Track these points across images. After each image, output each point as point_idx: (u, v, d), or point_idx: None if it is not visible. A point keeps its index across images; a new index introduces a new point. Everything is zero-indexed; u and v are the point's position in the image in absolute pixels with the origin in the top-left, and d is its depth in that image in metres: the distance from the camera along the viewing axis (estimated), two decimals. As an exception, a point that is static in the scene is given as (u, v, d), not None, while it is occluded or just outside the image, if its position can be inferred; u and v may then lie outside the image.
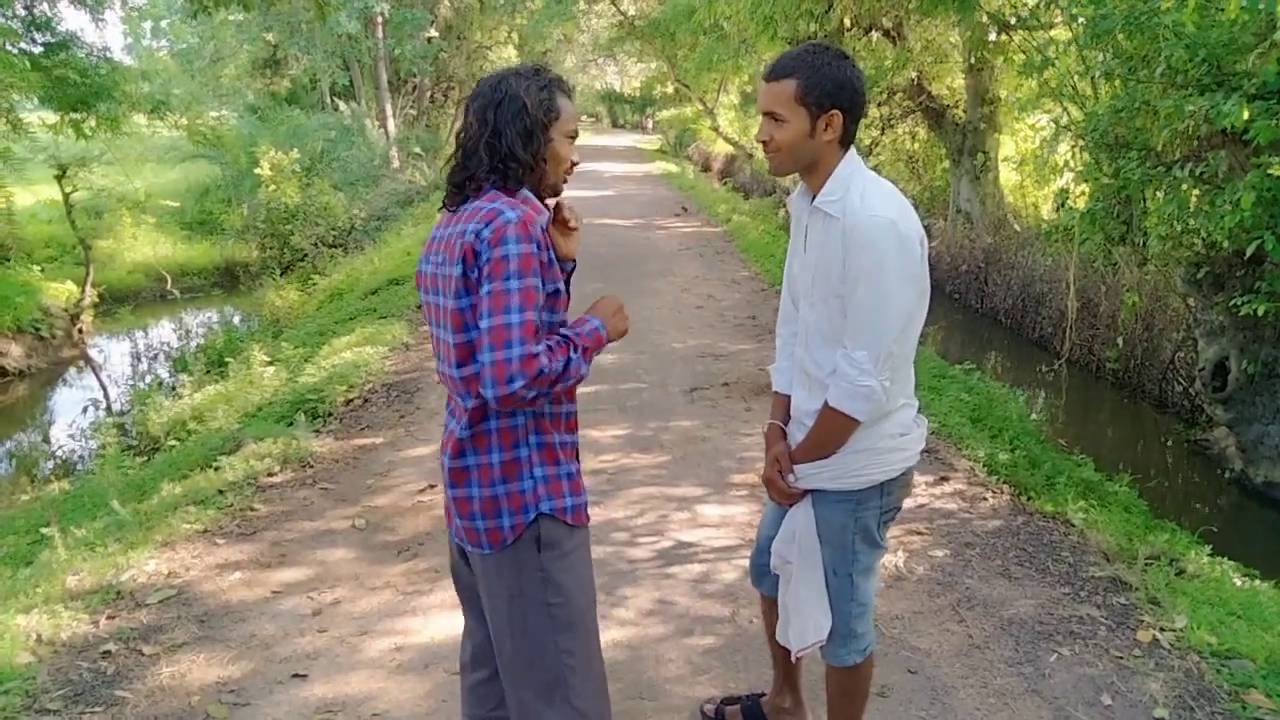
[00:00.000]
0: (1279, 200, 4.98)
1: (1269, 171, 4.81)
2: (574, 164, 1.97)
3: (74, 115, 11.07)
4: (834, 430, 2.07)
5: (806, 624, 2.19)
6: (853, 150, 2.06)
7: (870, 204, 1.95)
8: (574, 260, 2.07)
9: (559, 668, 1.92)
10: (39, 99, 11.17)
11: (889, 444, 2.10)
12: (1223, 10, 4.90)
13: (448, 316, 1.84)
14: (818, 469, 2.12)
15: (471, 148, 1.87)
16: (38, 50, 10.66)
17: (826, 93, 1.96)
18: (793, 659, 2.30)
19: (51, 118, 11.50)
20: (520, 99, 1.84)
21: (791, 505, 2.22)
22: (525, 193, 1.89)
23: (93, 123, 11.34)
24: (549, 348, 1.79)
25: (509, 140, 1.83)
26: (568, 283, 2.09)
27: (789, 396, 2.29)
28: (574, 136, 1.95)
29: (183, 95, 15.87)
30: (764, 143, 2.05)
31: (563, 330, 1.88)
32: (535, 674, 1.93)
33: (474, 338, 1.80)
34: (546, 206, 1.98)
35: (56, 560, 3.79)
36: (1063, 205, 7.69)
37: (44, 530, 4.19)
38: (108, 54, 11.84)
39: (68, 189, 12.55)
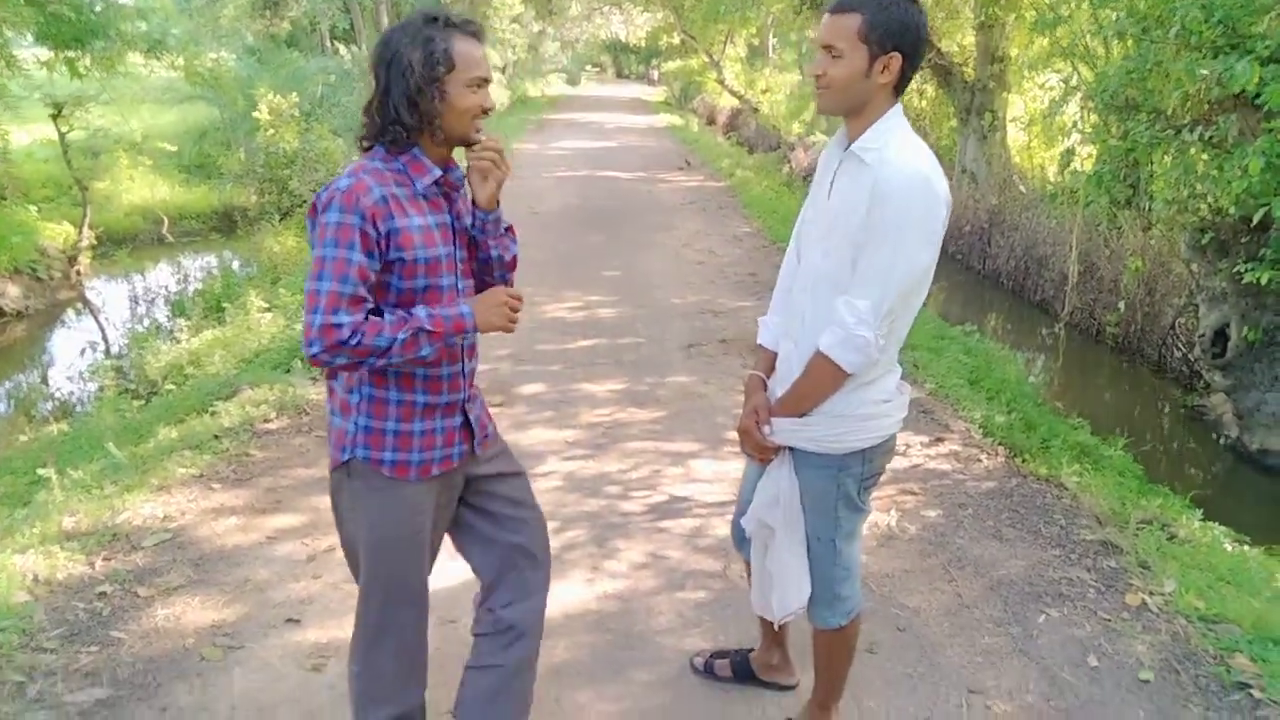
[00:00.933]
0: (1288, 166, 4.93)
1: (1279, 137, 4.75)
2: (486, 110, 1.91)
3: (68, 53, 10.88)
4: (820, 379, 2.03)
5: (789, 590, 2.19)
6: (899, 104, 2.01)
7: (907, 158, 1.91)
8: (489, 209, 2.02)
9: (360, 589, 2.06)
10: (34, 36, 10.97)
11: (872, 410, 2.08)
12: (1242, -31, 4.80)
13: None
14: (797, 426, 2.10)
15: (367, 107, 1.90)
16: (30, -16, 10.43)
17: (891, 32, 1.91)
18: (775, 627, 2.30)
19: (46, 55, 11.32)
20: (404, 58, 1.81)
21: (765, 461, 2.19)
22: (416, 152, 1.90)
23: (87, 61, 11.15)
24: (372, 320, 1.81)
25: (394, 101, 1.83)
26: (492, 231, 2.04)
27: (774, 353, 2.27)
28: (482, 83, 1.88)
29: (180, 35, 15.58)
30: (817, 77, 1.99)
31: (414, 309, 1.87)
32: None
33: None
34: (474, 153, 1.97)
35: (53, 501, 3.80)
36: (1067, 166, 7.61)
37: (41, 471, 4.20)
38: (103, -10, 11.61)
39: (64, 128, 12.39)
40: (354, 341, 1.77)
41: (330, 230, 1.78)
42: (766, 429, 2.14)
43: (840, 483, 2.12)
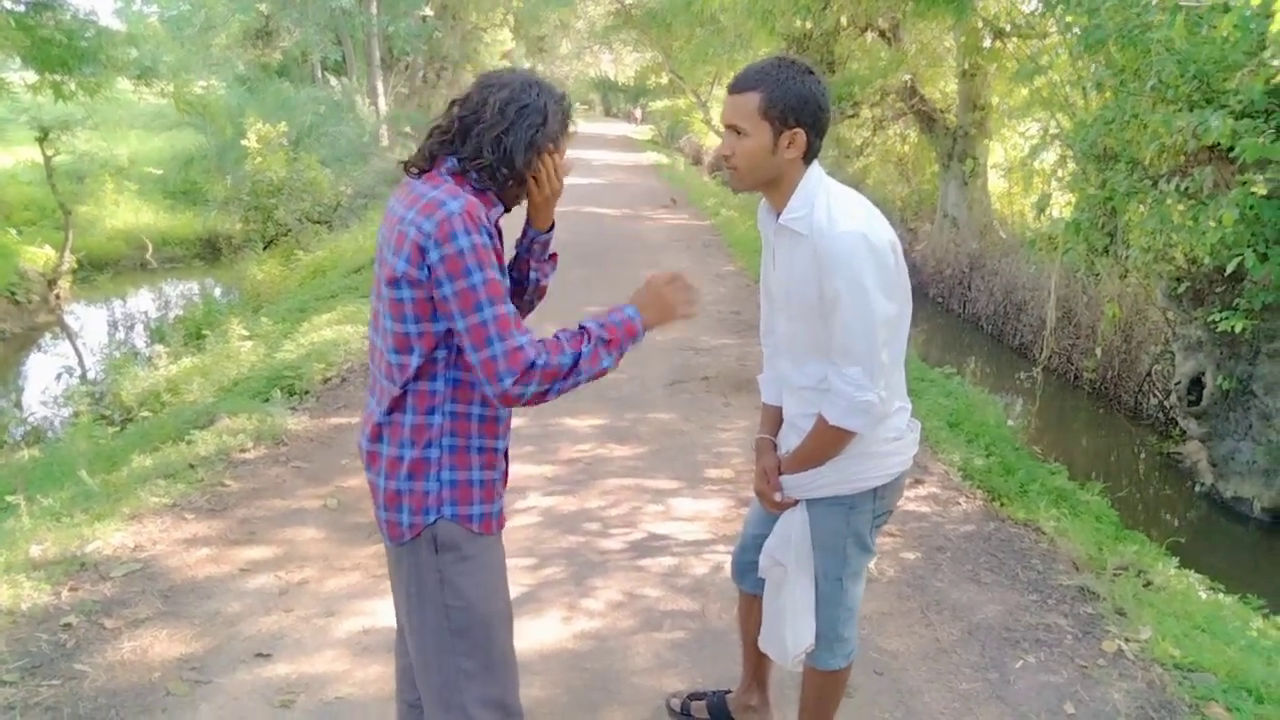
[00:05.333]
0: (1261, 218, 5.03)
1: (1252, 190, 4.84)
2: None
3: (54, 77, 10.88)
4: (831, 443, 2.04)
5: (801, 629, 2.17)
6: (815, 164, 2.02)
7: (837, 220, 1.91)
8: (544, 230, 2.00)
9: (453, 672, 1.86)
10: (21, 59, 10.98)
11: (883, 449, 2.09)
12: (1215, 27, 4.92)
13: (386, 302, 1.78)
14: (810, 478, 2.10)
15: (474, 130, 1.78)
16: (21, 9, 10.47)
17: (791, 108, 1.92)
18: (790, 667, 2.27)
19: (34, 79, 11.32)
20: (544, 114, 1.79)
21: (782, 511, 2.21)
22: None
23: (72, 85, 11.15)
24: (555, 339, 1.74)
25: (511, 143, 1.76)
26: (538, 253, 2.02)
27: (778, 408, 2.27)
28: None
29: (171, 62, 15.64)
30: (725, 157, 2.01)
31: (583, 322, 1.81)
32: (431, 674, 1.89)
33: (411, 330, 1.75)
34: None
35: (20, 529, 3.73)
36: (1042, 212, 7.73)
37: (9, 498, 4.13)
38: (94, 17, 11.67)
39: (49, 152, 12.37)
40: (541, 361, 1.69)
41: (469, 256, 1.67)
42: (778, 495, 2.16)
43: (850, 521, 2.12)
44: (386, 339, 1.80)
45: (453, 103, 1.85)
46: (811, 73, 1.96)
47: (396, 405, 1.81)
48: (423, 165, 1.82)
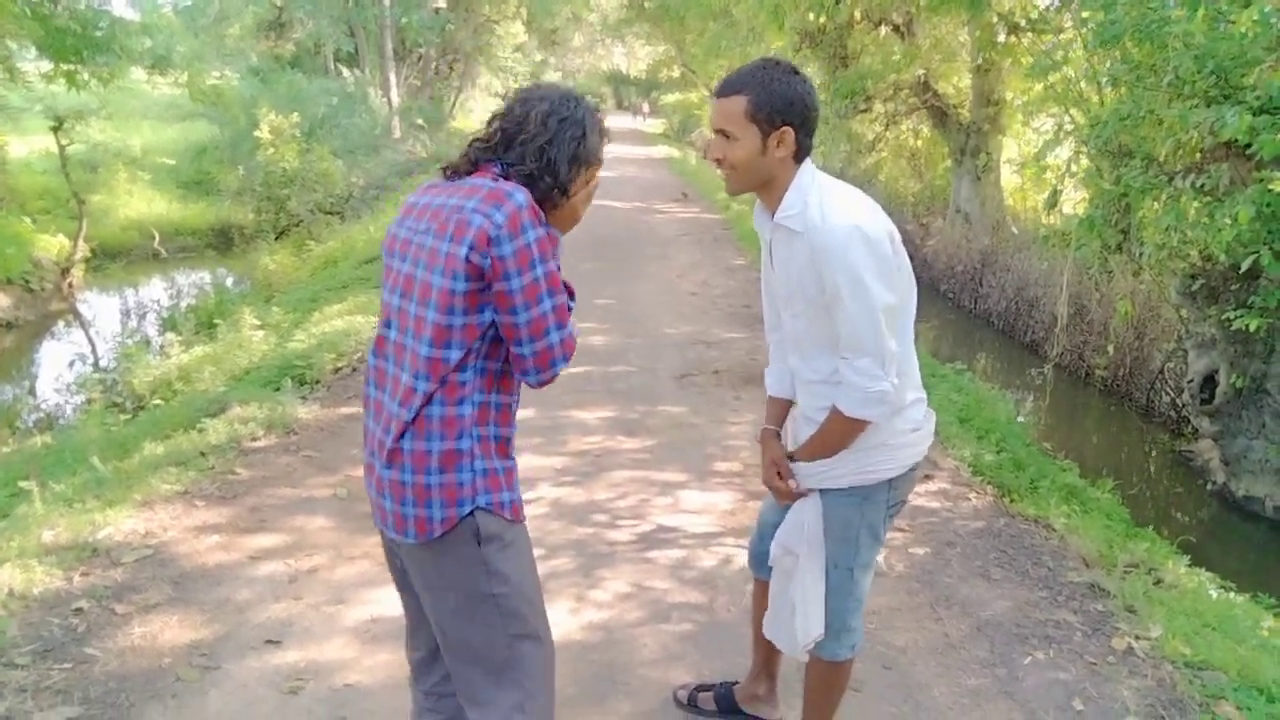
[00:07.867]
0: (1278, 215, 4.98)
1: (1269, 187, 4.80)
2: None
3: (68, 66, 10.93)
4: (847, 434, 2.04)
5: (812, 619, 2.17)
6: (807, 161, 2.02)
7: (830, 215, 1.92)
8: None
9: (508, 652, 1.90)
10: (36, 48, 11.04)
11: (901, 440, 2.08)
12: (1233, 22, 4.88)
13: (432, 293, 1.76)
14: (826, 469, 2.10)
15: (517, 140, 1.84)
16: (36, -1, 10.51)
17: (777, 109, 1.93)
18: (800, 657, 2.27)
19: (48, 68, 11.38)
20: (583, 128, 1.87)
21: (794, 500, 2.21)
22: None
23: (86, 75, 11.20)
24: (565, 307, 1.90)
25: (555, 154, 1.83)
26: None
27: (783, 401, 2.27)
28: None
29: (185, 53, 15.68)
30: (717, 161, 2.02)
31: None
32: (483, 658, 1.90)
33: (456, 322, 1.74)
34: None
35: (33, 514, 3.76)
36: (1053, 207, 7.69)
37: (22, 484, 4.15)
38: (108, 7, 11.73)
39: (64, 141, 12.43)
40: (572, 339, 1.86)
41: (536, 249, 1.75)
42: (793, 483, 2.16)
43: (864, 512, 2.12)
44: (423, 333, 1.77)
45: (493, 116, 1.90)
46: (797, 73, 1.97)
47: (425, 401, 1.79)
48: (466, 169, 1.87)
